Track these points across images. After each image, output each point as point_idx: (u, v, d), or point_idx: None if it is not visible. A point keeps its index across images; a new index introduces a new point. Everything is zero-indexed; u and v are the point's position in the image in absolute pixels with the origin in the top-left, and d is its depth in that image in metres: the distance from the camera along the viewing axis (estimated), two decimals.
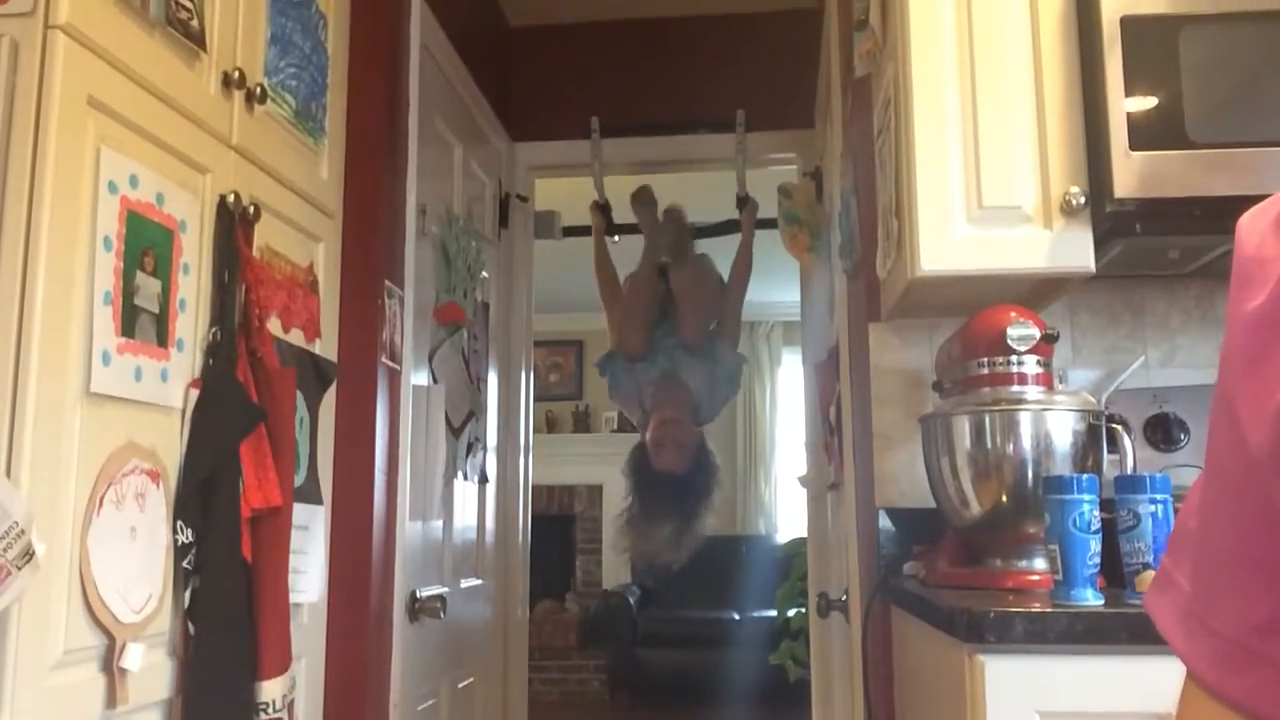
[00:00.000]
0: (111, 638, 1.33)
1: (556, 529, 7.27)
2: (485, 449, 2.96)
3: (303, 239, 1.92)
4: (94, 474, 1.31)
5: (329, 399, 1.98)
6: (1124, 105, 1.53)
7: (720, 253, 3.48)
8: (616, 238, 3.53)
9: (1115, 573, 1.37)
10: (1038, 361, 1.59)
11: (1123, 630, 1.22)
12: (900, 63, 1.68)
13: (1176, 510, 1.02)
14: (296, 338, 1.85)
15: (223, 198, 1.61)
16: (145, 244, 1.42)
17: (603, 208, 3.46)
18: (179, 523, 1.46)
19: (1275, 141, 1.50)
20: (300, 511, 1.77)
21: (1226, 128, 1.52)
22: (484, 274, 2.90)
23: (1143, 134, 1.52)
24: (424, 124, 2.39)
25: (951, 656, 1.31)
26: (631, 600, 6.55)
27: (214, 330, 1.57)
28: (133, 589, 1.37)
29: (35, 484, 1.21)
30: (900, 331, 2.00)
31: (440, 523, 2.53)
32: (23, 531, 1.15)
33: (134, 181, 1.40)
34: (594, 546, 7.47)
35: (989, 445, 1.57)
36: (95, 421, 1.32)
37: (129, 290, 1.38)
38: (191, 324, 1.53)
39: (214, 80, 1.61)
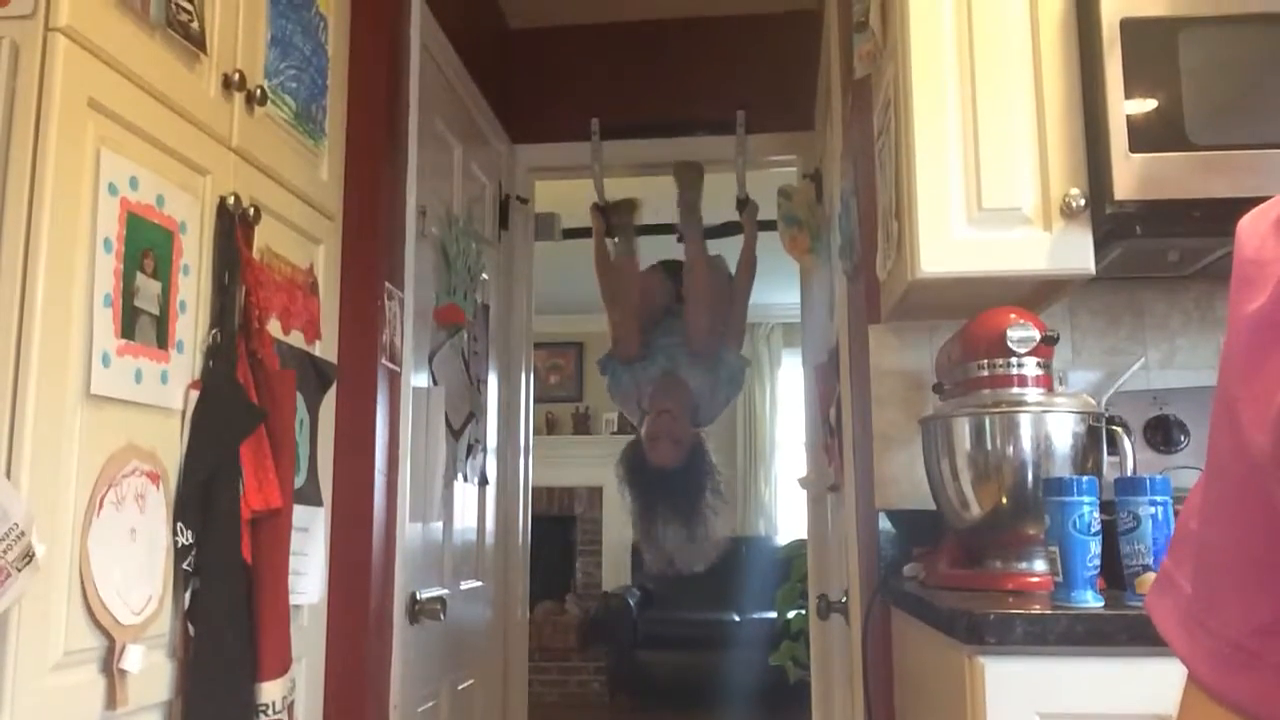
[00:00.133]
0: (111, 639, 1.33)
1: (556, 531, 7.27)
2: (485, 451, 2.96)
3: (303, 240, 1.92)
4: (94, 475, 1.31)
5: (329, 401, 1.98)
6: (1124, 107, 1.53)
7: (720, 254, 3.48)
8: (616, 239, 3.53)
9: (1115, 574, 1.37)
10: (1038, 363, 1.59)
11: (1123, 632, 1.22)
12: (900, 64, 1.68)
13: (1177, 512, 1.02)
14: (296, 339, 1.85)
15: (223, 199, 1.61)
16: (145, 246, 1.42)
17: (603, 209, 3.46)
18: (179, 524, 1.46)
19: (1275, 143, 1.50)
20: (300, 513, 1.77)
21: (1226, 130, 1.52)
22: (484, 276, 2.90)
23: (1142, 136, 1.52)
24: (424, 126, 2.39)
25: (951, 658, 1.31)
26: (631, 602, 6.55)
27: (214, 332, 1.57)
28: (133, 590, 1.37)
29: (35, 485, 1.21)
30: (900, 333, 2.00)
31: (440, 524, 2.53)
32: (23, 533, 1.15)
33: (134, 183, 1.40)
34: (594, 548, 7.47)
35: (989, 447, 1.57)
36: (95, 423, 1.32)
37: (129, 292, 1.38)
38: (191, 326, 1.53)
39: (214, 82, 1.61)
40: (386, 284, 2.16)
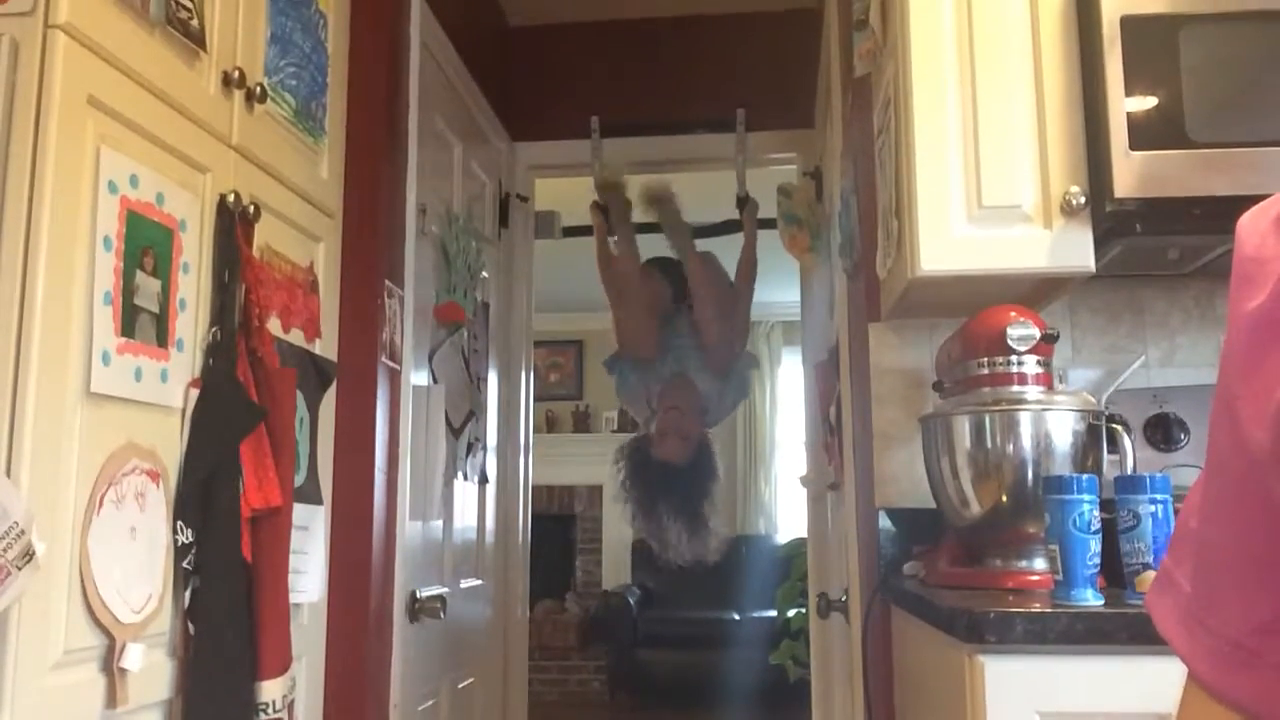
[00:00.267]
0: (111, 638, 1.33)
1: (556, 529, 7.27)
2: (485, 449, 2.96)
3: (303, 238, 1.92)
4: (94, 474, 1.31)
5: (329, 399, 1.98)
6: (1124, 105, 1.53)
7: (719, 252, 3.47)
8: (616, 237, 3.53)
9: (1115, 573, 1.37)
10: (1038, 361, 1.59)
11: (1123, 630, 1.22)
12: (900, 62, 1.68)
13: (1176, 510, 1.02)
14: (296, 337, 1.85)
15: (223, 197, 1.61)
16: (145, 243, 1.42)
17: (603, 207, 3.46)
18: (179, 523, 1.46)
19: (1275, 141, 1.50)
20: (300, 511, 1.77)
21: (1226, 127, 1.52)
22: (484, 274, 2.90)
23: (1143, 134, 1.52)
24: (424, 123, 2.39)
25: (951, 656, 1.31)
26: (631, 600, 6.55)
27: (214, 330, 1.57)
28: (133, 589, 1.37)
29: (35, 484, 1.21)
30: (900, 331, 2.00)
31: (440, 523, 2.53)
32: (23, 531, 1.15)
33: (134, 181, 1.40)
34: (594, 546, 7.47)
35: (989, 445, 1.57)
36: (95, 421, 1.32)
37: (129, 290, 1.38)
38: (191, 324, 1.53)
39: (214, 80, 1.61)
40: (386, 282, 2.16)
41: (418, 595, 2.29)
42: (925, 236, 1.60)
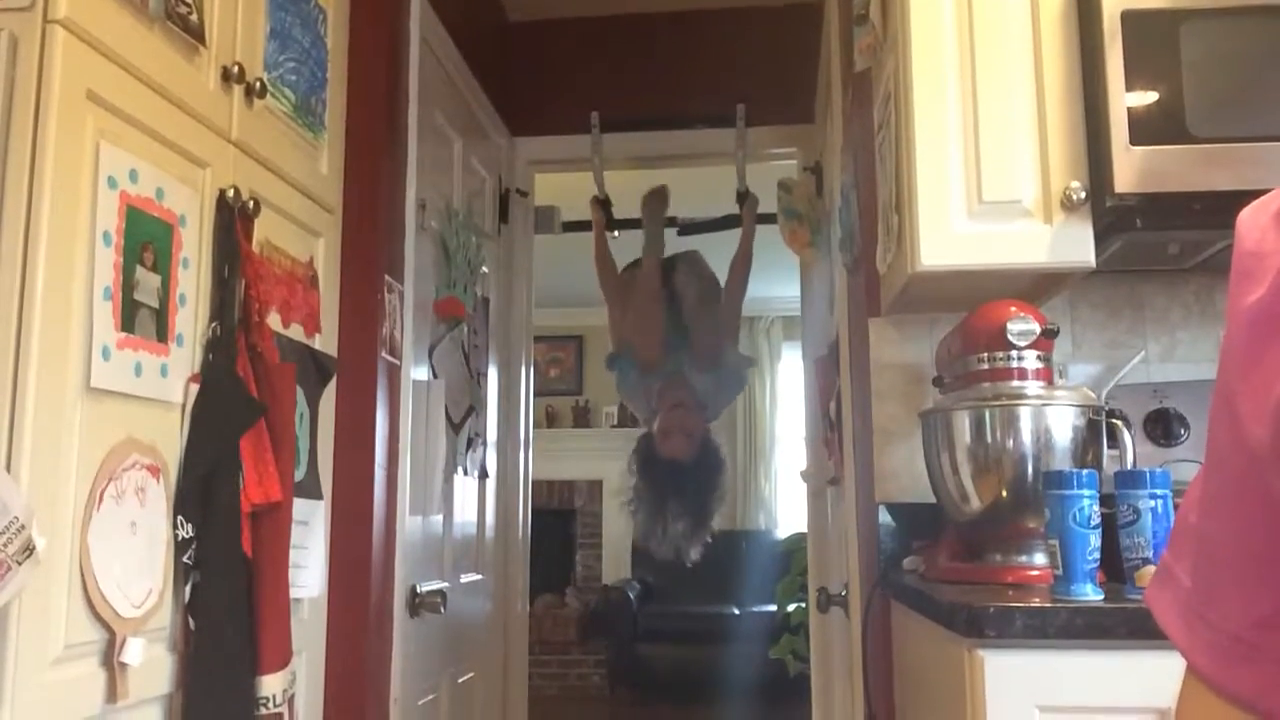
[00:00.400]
0: (112, 632, 1.33)
1: (556, 524, 7.28)
2: (485, 444, 2.96)
3: (302, 234, 1.91)
4: (94, 469, 1.31)
5: (329, 394, 1.98)
6: (1124, 100, 1.53)
7: (720, 248, 3.47)
8: (617, 233, 3.53)
9: (1115, 568, 1.37)
10: (1038, 356, 1.59)
11: (1123, 625, 1.22)
12: (900, 57, 1.68)
13: (1177, 506, 1.02)
14: (296, 333, 1.85)
15: (222, 192, 1.61)
16: (145, 239, 1.42)
17: (603, 202, 3.46)
18: (179, 518, 1.47)
19: (1276, 136, 1.50)
20: (300, 506, 1.77)
21: (1227, 122, 1.52)
22: (484, 269, 2.90)
23: (1143, 129, 1.52)
24: (424, 119, 2.38)
25: (951, 651, 1.31)
26: (631, 595, 6.56)
27: (214, 325, 1.57)
28: (133, 584, 1.37)
29: (35, 479, 1.21)
30: (900, 326, 2.00)
31: (440, 518, 2.53)
32: (23, 526, 1.15)
33: (133, 176, 1.40)
34: (594, 541, 7.47)
35: (989, 440, 1.57)
36: (95, 417, 1.32)
37: (129, 285, 1.38)
38: (191, 319, 1.53)
39: (213, 75, 1.61)
40: (386, 277, 2.15)
41: (418, 590, 2.29)
42: (925, 231, 1.60)
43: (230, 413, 1.55)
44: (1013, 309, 1.59)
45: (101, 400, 1.33)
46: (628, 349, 3.26)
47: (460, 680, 2.68)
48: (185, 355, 1.52)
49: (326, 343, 1.99)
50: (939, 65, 1.63)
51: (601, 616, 6.59)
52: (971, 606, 1.26)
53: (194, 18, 1.53)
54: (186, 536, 1.47)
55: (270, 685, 1.59)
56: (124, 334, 1.37)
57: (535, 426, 3.61)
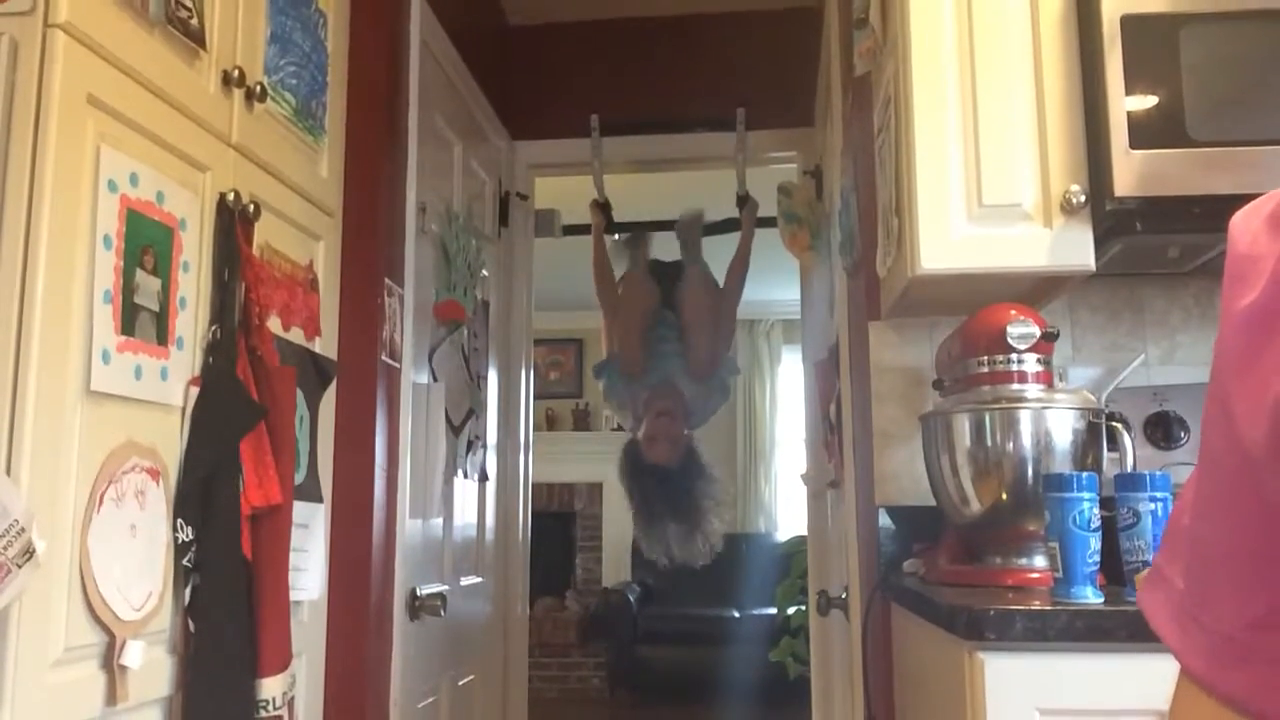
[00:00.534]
0: (112, 635, 1.33)
1: (556, 527, 7.27)
2: (485, 447, 2.96)
3: (302, 237, 1.92)
4: (94, 472, 1.31)
5: (329, 397, 1.98)
6: (1124, 104, 1.53)
7: (719, 251, 3.47)
8: (616, 236, 3.53)
9: (1115, 571, 1.37)
10: (1038, 359, 1.59)
11: (1123, 628, 1.22)
12: (900, 61, 1.68)
13: None
14: (296, 336, 1.85)
15: (222, 196, 1.61)
16: (145, 242, 1.42)
17: (603, 206, 3.46)
18: (179, 520, 1.47)
19: (1275, 140, 1.50)
20: (300, 509, 1.77)
21: (1227, 126, 1.52)
22: (484, 272, 2.90)
23: (1143, 132, 1.52)
24: (424, 122, 2.39)
25: (951, 654, 1.31)
26: (631, 598, 6.56)
27: (214, 328, 1.57)
28: (133, 586, 1.37)
29: (35, 482, 1.21)
30: (900, 329, 2.01)
31: (440, 520, 2.53)
32: (23, 529, 1.15)
33: (134, 180, 1.40)
34: (594, 544, 7.47)
35: (989, 443, 1.57)
36: (95, 419, 1.32)
37: (129, 288, 1.38)
38: (191, 322, 1.53)
39: (214, 78, 1.61)
40: (386, 280, 2.16)
41: (418, 593, 2.29)
42: (925, 235, 1.60)
43: (230, 416, 1.55)
44: (1013, 312, 1.59)
45: (101, 403, 1.33)
46: (614, 357, 3.29)
47: (460, 683, 2.68)
48: (185, 358, 1.52)
49: (326, 346, 1.99)
50: (939, 69, 1.63)
51: (601, 619, 6.59)
52: (972, 609, 1.26)
53: (194, 22, 1.53)
54: (186, 539, 1.47)
55: (270, 688, 1.59)
56: (124, 337, 1.37)
57: (535, 429, 3.61)
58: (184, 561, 1.48)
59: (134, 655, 1.35)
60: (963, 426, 1.60)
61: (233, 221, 1.62)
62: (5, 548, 1.13)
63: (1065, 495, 1.32)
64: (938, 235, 1.60)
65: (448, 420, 2.50)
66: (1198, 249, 1.74)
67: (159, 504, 1.44)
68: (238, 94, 1.66)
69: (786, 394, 7.46)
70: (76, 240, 1.29)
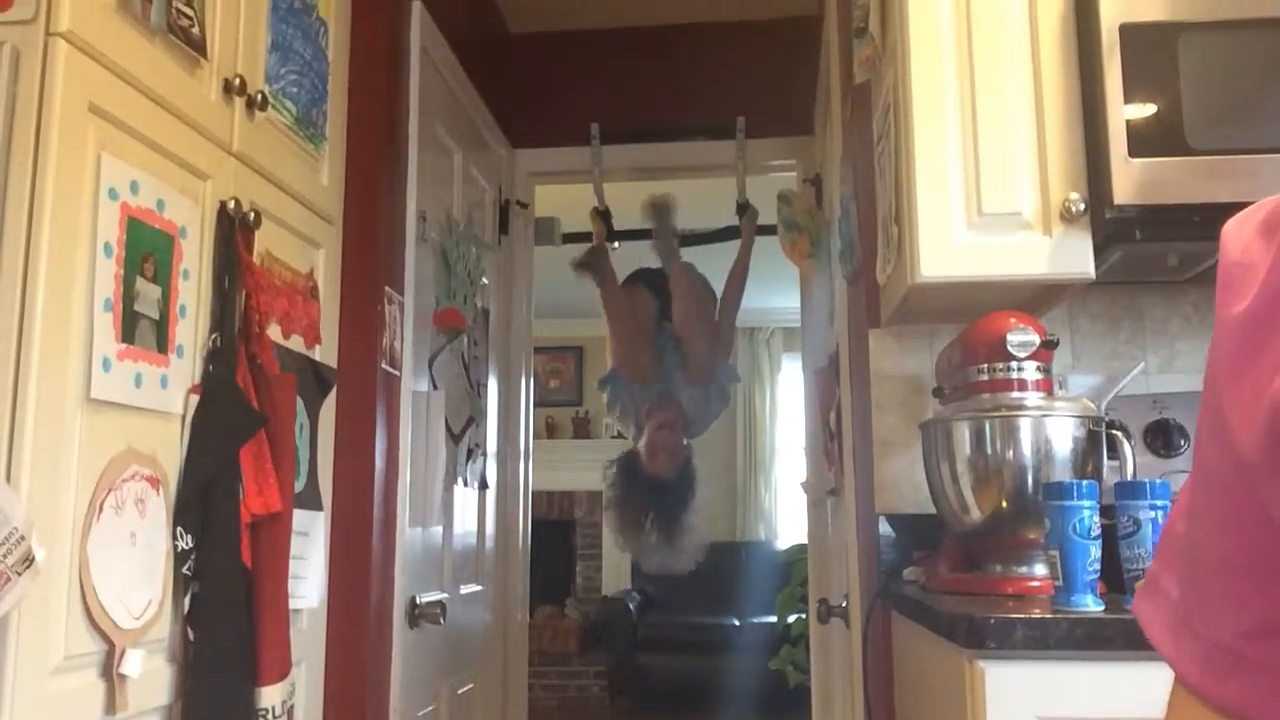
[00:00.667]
0: (111, 643, 1.33)
1: (556, 534, 7.26)
2: (485, 455, 2.96)
3: (303, 245, 1.92)
4: (94, 480, 1.31)
5: (329, 405, 1.98)
6: (1123, 112, 1.53)
7: (719, 259, 3.48)
8: (617, 244, 3.54)
9: (1115, 579, 1.37)
10: (1038, 367, 1.59)
11: (1123, 636, 1.22)
12: (900, 69, 1.69)
13: None
14: (296, 344, 1.85)
15: (223, 204, 1.61)
16: (145, 250, 1.42)
17: (603, 214, 3.47)
18: (179, 528, 1.46)
19: (1274, 148, 1.51)
20: (300, 517, 1.77)
21: (1225, 134, 1.52)
22: (484, 280, 2.90)
23: (1142, 141, 1.52)
24: (424, 130, 2.39)
25: (952, 662, 1.31)
26: (631, 606, 6.55)
27: (214, 336, 1.57)
28: (132, 595, 1.37)
29: (35, 490, 1.21)
30: (900, 337, 2.01)
31: (440, 528, 2.53)
32: (23, 537, 1.15)
33: (134, 188, 1.40)
34: (594, 552, 7.46)
35: (989, 451, 1.57)
36: (95, 427, 1.32)
37: (129, 296, 1.38)
38: (192, 330, 1.53)
39: (215, 87, 1.61)
40: (386, 288, 2.16)
41: (417, 601, 2.29)
42: (925, 243, 1.60)
43: (230, 423, 1.55)
44: (1012, 320, 1.59)
45: (101, 411, 1.33)
46: (619, 368, 3.31)
47: (460, 691, 2.67)
48: (185, 366, 1.52)
49: (326, 354, 1.99)
50: (938, 77, 1.64)
51: (601, 627, 6.57)
52: (972, 617, 1.26)
53: (196, 30, 1.53)
54: (186, 547, 1.47)
55: (270, 696, 1.58)
56: (124, 345, 1.37)
57: (535, 437, 3.61)
58: (184, 569, 1.47)
59: (133, 664, 1.35)
60: (963, 434, 1.60)
61: (233, 229, 1.62)
62: (5, 555, 1.13)
63: (1065, 503, 1.32)
64: (937, 243, 1.60)
65: (448, 428, 2.50)
66: (1197, 257, 1.74)
67: (159, 512, 1.44)
68: (239, 102, 1.67)
69: (786, 402, 7.46)
70: (77, 248, 1.29)
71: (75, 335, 1.29)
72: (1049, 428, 1.55)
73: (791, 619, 5.85)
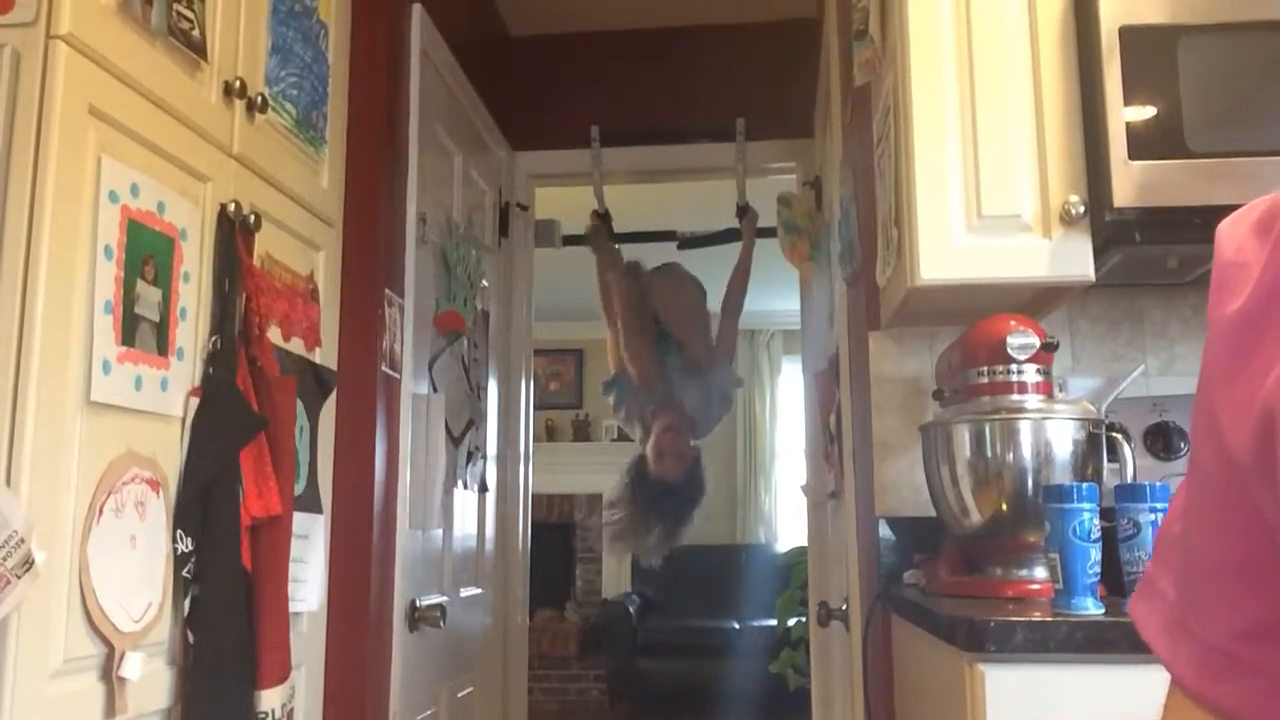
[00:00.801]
0: (111, 646, 1.33)
1: (556, 538, 7.26)
2: (485, 457, 2.96)
3: (303, 247, 1.92)
4: (94, 483, 1.31)
5: (329, 407, 1.98)
6: (1123, 115, 1.53)
7: (720, 263, 3.48)
8: (617, 246, 3.54)
9: (1115, 581, 1.37)
10: (1037, 370, 1.59)
11: (1123, 639, 1.22)
12: (900, 72, 1.69)
13: None
14: (297, 346, 1.85)
15: (223, 206, 1.61)
16: (146, 252, 1.42)
17: (603, 216, 3.47)
18: (179, 531, 1.46)
19: (1273, 150, 1.51)
20: (300, 520, 1.77)
21: (1225, 137, 1.53)
22: (484, 282, 2.90)
23: (1142, 143, 1.52)
24: (424, 132, 2.39)
25: (952, 665, 1.31)
26: (631, 609, 6.54)
27: (214, 339, 1.57)
28: (132, 597, 1.37)
29: (35, 493, 1.21)
30: (900, 340, 2.01)
31: (440, 531, 2.53)
32: (22, 540, 1.15)
33: (135, 190, 1.40)
34: (594, 555, 7.45)
35: (989, 454, 1.57)
36: (95, 430, 1.32)
37: (129, 299, 1.38)
38: (192, 332, 1.53)
39: (215, 89, 1.61)
40: (386, 291, 2.16)
41: (417, 604, 2.28)
42: (925, 245, 1.60)
43: (230, 426, 1.55)
44: (1012, 323, 1.59)
45: (101, 414, 1.33)
46: (622, 372, 3.32)
47: (459, 695, 2.67)
48: (186, 369, 1.52)
49: (326, 356, 1.99)
50: (938, 80, 1.64)
51: (601, 631, 6.57)
52: (972, 620, 1.26)
53: (196, 33, 1.54)
54: (186, 550, 1.47)
55: (269, 699, 1.58)
56: (124, 347, 1.37)
57: (535, 440, 3.61)
58: (183, 572, 1.47)
59: (133, 667, 1.35)
60: (963, 437, 1.59)
61: (233, 232, 1.62)
62: (4, 558, 1.13)
63: (1065, 506, 1.32)
64: (937, 246, 1.60)
65: (447, 431, 2.50)
66: (1196, 259, 1.74)
67: (159, 515, 1.44)
68: (239, 105, 1.67)
69: (786, 404, 7.46)
70: (77, 250, 1.29)
71: (75, 338, 1.29)
72: (1049, 430, 1.55)
73: (791, 622, 5.85)
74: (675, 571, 6.20)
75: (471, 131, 2.90)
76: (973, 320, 1.65)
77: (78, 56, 1.30)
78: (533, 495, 3.43)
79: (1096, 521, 1.32)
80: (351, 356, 2.07)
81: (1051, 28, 1.62)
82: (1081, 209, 1.57)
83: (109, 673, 1.33)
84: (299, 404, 1.79)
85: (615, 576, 7.29)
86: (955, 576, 1.64)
